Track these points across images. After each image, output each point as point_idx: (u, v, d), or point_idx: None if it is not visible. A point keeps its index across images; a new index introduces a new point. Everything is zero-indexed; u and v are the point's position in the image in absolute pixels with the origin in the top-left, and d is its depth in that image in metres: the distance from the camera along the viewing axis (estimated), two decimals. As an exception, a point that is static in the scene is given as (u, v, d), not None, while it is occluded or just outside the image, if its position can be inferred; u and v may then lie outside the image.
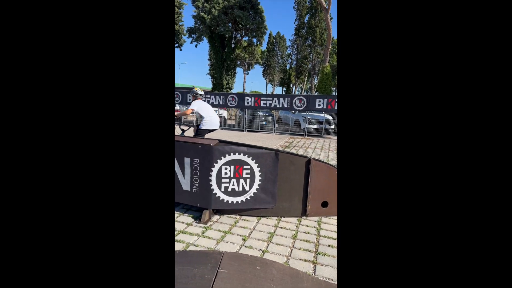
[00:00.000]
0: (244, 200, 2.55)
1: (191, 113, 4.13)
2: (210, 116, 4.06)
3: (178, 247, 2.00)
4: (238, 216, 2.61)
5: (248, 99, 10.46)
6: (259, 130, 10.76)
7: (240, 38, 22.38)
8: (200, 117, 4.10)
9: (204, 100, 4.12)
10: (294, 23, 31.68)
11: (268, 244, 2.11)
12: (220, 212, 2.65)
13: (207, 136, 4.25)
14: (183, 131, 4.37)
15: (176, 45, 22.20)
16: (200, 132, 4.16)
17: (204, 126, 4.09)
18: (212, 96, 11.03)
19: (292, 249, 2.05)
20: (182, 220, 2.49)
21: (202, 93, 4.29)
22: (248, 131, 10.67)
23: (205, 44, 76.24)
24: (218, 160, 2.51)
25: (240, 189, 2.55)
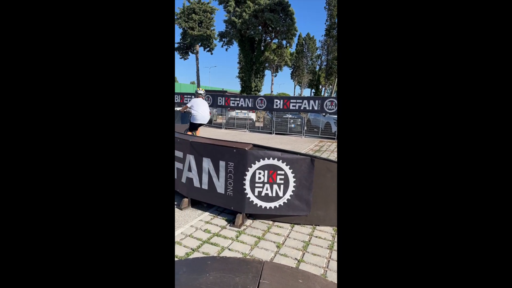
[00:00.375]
0: (278, 206, 2.52)
1: (187, 108, 4.87)
2: (198, 112, 4.68)
3: (213, 250, 2.03)
4: (271, 222, 2.58)
5: (277, 102, 10.41)
6: (288, 132, 10.64)
7: (269, 40, 22.46)
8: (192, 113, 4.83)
9: (206, 99, 4.86)
10: (325, 23, 30.97)
11: (304, 254, 2.05)
12: (253, 216, 2.64)
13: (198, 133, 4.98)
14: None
15: (207, 49, 22.96)
16: (191, 126, 4.83)
17: (192, 120, 4.77)
18: (242, 99, 11.18)
19: (329, 260, 1.97)
20: (216, 223, 2.53)
21: (202, 92, 4.94)
22: (276, 133, 10.61)
23: (235, 47, 77.94)
24: (252, 165, 2.51)
25: (274, 194, 2.52)
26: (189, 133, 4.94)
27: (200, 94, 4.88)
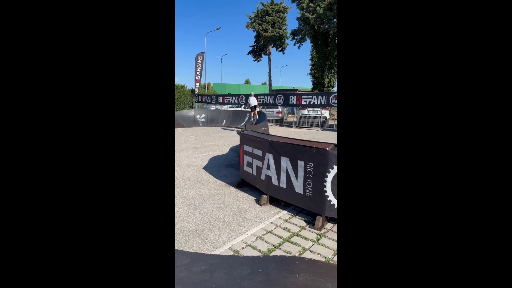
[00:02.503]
0: (362, 212, 2.31)
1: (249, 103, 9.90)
2: (250, 102, 9.71)
3: (294, 249, 2.04)
4: (354, 229, 2.40)
5: (354, 98, 9.61)
6: (366, 132, 9.67)
7: (345, 32, 20.94)
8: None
9: (254, 96, 10.21)
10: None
11: (397, 270, 1.81)
12: (333, 220, 2.52)
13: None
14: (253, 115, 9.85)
15: (279, 49, 23.26)
16: (251, 108, 9.81)
17: (249, 106, 9.79)
18: (314, 96, 10.83)
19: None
20: (295, 222, 2.53)
21: (252, 94, 10.46)
22: (352, 132, 9.81)
23: (307, 45, 76.19)
24: (334, 166, 2.39)
25: (358, 199, 2.33)
26: (252, 113, 9.66)
27: (251, 95, 10.21)
